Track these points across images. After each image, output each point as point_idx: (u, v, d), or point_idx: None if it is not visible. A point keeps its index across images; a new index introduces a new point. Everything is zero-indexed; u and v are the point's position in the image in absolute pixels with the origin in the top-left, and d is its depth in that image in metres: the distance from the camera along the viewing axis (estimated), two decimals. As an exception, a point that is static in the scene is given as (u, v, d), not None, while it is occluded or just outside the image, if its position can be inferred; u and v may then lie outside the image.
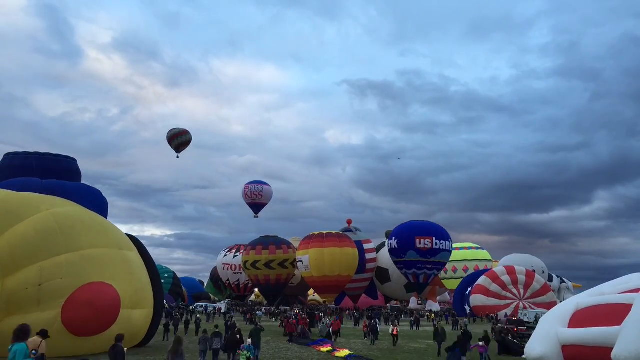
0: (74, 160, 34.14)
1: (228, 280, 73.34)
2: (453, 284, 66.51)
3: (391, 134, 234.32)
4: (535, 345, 12.91)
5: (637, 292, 12.32)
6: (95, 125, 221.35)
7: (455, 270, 67.92)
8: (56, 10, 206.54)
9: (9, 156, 32.32)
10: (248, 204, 73.51)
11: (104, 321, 16.55)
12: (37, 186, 24.63)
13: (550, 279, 71.98)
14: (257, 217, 74.75)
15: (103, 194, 28.80)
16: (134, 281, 18.88)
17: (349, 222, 68.22)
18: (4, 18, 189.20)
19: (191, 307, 54.44)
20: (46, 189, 23.32)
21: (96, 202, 25.15)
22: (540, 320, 14.65)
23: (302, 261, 61.50)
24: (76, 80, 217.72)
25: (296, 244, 67.84)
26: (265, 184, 75.63)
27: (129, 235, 21.72)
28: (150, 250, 22.56)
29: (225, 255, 74.09)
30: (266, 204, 75.10)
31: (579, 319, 12.50)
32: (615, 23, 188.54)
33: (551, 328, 12.75)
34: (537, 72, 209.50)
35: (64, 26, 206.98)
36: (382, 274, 66.00)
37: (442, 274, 68.92)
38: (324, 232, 63.76)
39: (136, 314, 18.52)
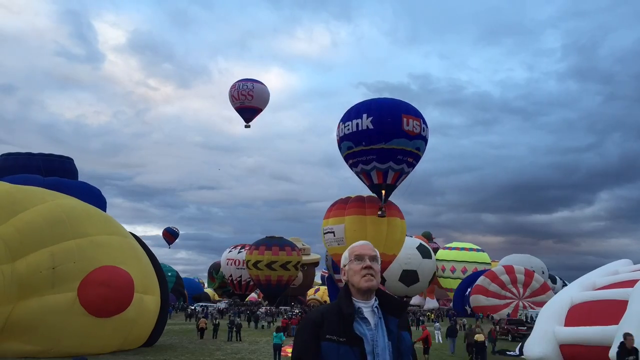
0: (69, 160, 34.46)
1: (230, 276, 73.37)
2: (450, 284, 65.64)
3: None
4: (534, 346, 12.89)
5: (628, 284, 12.30)
6: (109, 128, 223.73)
7: (453, 270, 66.46)
8: (74, 14, 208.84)
9: (8, 157, 32.53)
10: (236, 109, 56.70)
11: (121, 302, 16.69)
12: (39, 183, 25.02)
13: (554, 281, 71.69)
14: (249, 126, 57.50)
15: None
16: (142, 267, 19.17)
17: None
18: (22, 21, 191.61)
19: (192, 307, 54.70)
20: (48, 186, 23.60)
21: (95, 201, 25.45)
22: (537, 319, 14.63)
23: (333, 232, 47.23)
24: (93, 83, 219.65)
25: (297, 244, 67.77)
26: (258, 82, 57.87)
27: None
28: (153, 250, 22.77)
29: (230, 251, 73.83)
30: (260, 110, 57.32)
31: (575, 316, 12.52)
32: (629, 28, 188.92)
33: (548, 327, 12.75)
34: (550, 75, 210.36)
35: (83, 29, 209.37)
36: (410, 277, 58.50)
37: (439, 272, 66.85)
38: (364, 195, 47.53)
39: (147, 299, 18.74)
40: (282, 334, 16.93)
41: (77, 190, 25.11)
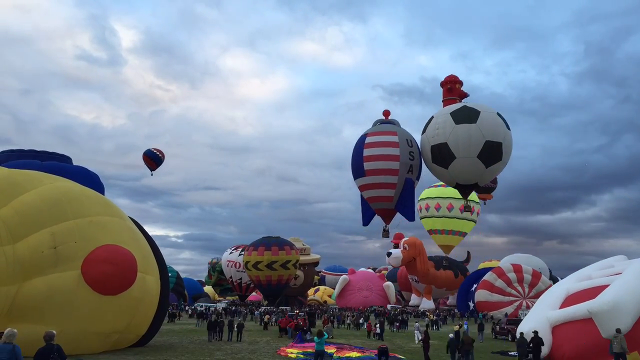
0: (68, 158, 34.64)
1: (231, 277, 73.35)
2: (434, 224, 58.32)
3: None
4: (523, 325, 13.94)
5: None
6: (122, 129, 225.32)
7: (438, 208, 59.10)
8: (88, 15, 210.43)
9: (5, 154, 32.68)
10: None
11: (125, 279, 16.76)
12: (37, 167, 25.42)
13: (555, 281, 71.71)
14: None
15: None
16: (141, 248, 19.28)
17: (386, 113, 42.92)
18: (34, 21, 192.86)
19: (192, 307, 54.71)
20: (46, 170, 23.80)
21: (93, 186, 25.55)
22: (533, 307, 15.59)
23: None
24: (106, 85, 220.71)
25: (296, 244, 67.73)
26: None
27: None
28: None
29: (230, 253, 73.89)
30: None
31: (569, 303, 13.00)
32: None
33: (541, 312, 13.42)
34: (563, 77, 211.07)
35: (97, 30, 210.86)
36: (442, 154, 36.19)
37: (422, 212, 59.51)
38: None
39: (149, 279, 18.85)
40: (325, 336, 16.02)
41: (75, 175, 25.28)
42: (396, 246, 65.85)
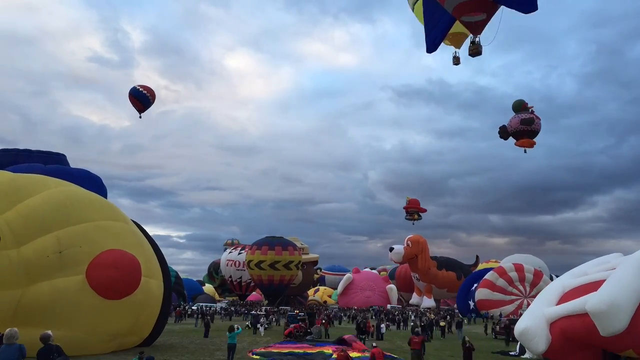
0: (63, 156, 34.71)
1: (230, 277, 73.30)
2: None
3: (424, 138, 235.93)
4: (520, 322, 13.80)
5: None
6: (130, 130, 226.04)
7: None
8: (96, 15, 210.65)
9: (6, 152, 32.92)
10: None
11: (130, 284, 16.88)
12: (41, 171, 25.38)
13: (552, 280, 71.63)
14: None
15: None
16: (145, 252, 19.44)
17: None
18: (39, 21, 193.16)
19: (193, 307, 54.85)
20: (49, 174, 23.91)
21: (96, 188, 25.86)
22: (530, 305, 15.51)
23: None
24: (112, 85, 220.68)
25: (297, 244, 67.76)
26: None
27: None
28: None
29: (230, 252, 73.77)
30: None
31: (566, 299, 13.08)
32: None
33: (538, 308, 13.53)
34: (571, 79, 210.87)
35: (105, 31, 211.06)
36: None
37: None
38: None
39: (152, 282, 19.01)
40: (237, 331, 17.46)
41: (78, 178, 25.38)
42: (407, 212, 66.64)
